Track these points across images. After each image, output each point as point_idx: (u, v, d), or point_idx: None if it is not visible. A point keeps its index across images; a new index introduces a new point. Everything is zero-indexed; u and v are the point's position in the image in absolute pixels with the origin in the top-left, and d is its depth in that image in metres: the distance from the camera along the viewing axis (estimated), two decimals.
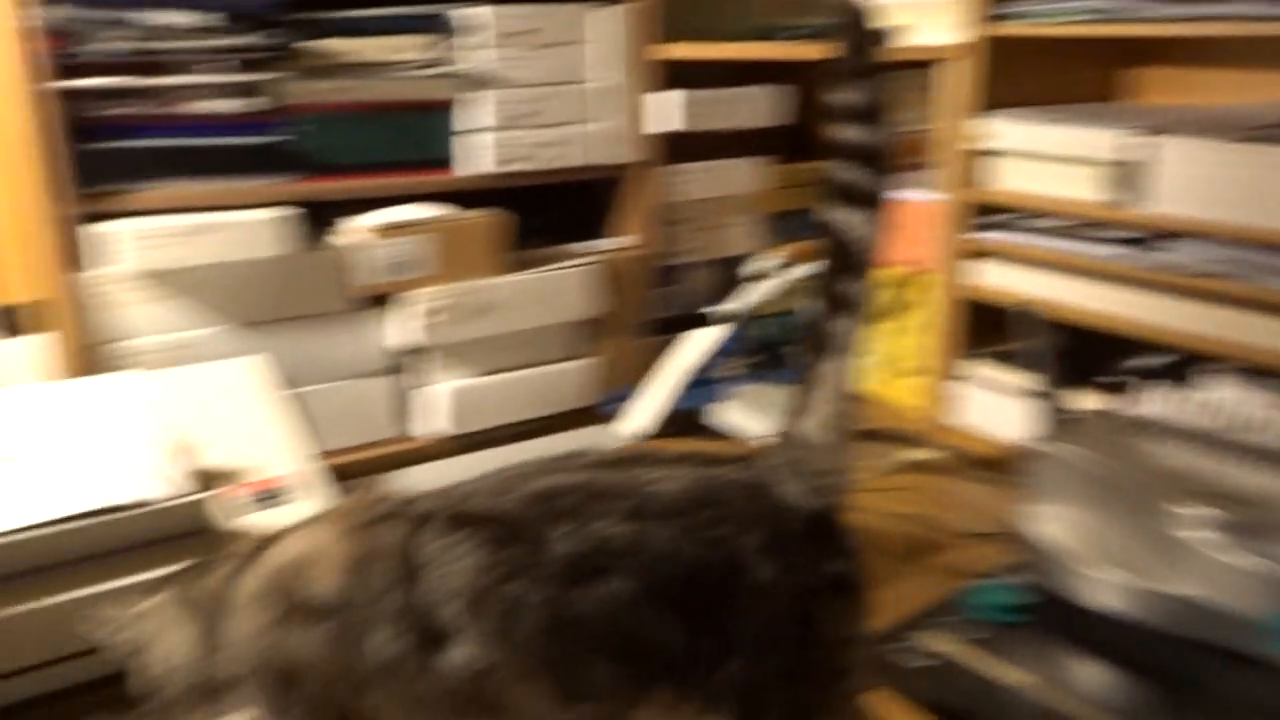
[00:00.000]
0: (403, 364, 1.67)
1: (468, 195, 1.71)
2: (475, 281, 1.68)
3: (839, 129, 0.81)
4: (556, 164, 1.76)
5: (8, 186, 1.29)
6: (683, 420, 1.86)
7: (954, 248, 1.63)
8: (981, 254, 1.61)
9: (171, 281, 1.42)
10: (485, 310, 1.70)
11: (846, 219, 0.81)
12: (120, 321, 1.40)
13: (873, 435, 1.79)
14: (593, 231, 1.94)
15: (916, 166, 1.71)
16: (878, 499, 1.56)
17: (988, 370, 1.67)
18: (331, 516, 0.90)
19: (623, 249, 1.90)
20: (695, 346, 1.77)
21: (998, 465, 1.57)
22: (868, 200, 0.80)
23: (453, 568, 0.81)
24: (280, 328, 1.51)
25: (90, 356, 1.38)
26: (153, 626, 0.88)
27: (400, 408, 1.68)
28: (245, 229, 1.42)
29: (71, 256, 1.34)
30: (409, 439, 1.66)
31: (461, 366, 1.72)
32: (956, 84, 1.54)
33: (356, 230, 1.57)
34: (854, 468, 0.86)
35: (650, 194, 1.89)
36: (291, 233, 1.47)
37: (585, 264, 1.79)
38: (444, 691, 0.83)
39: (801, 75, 1.97)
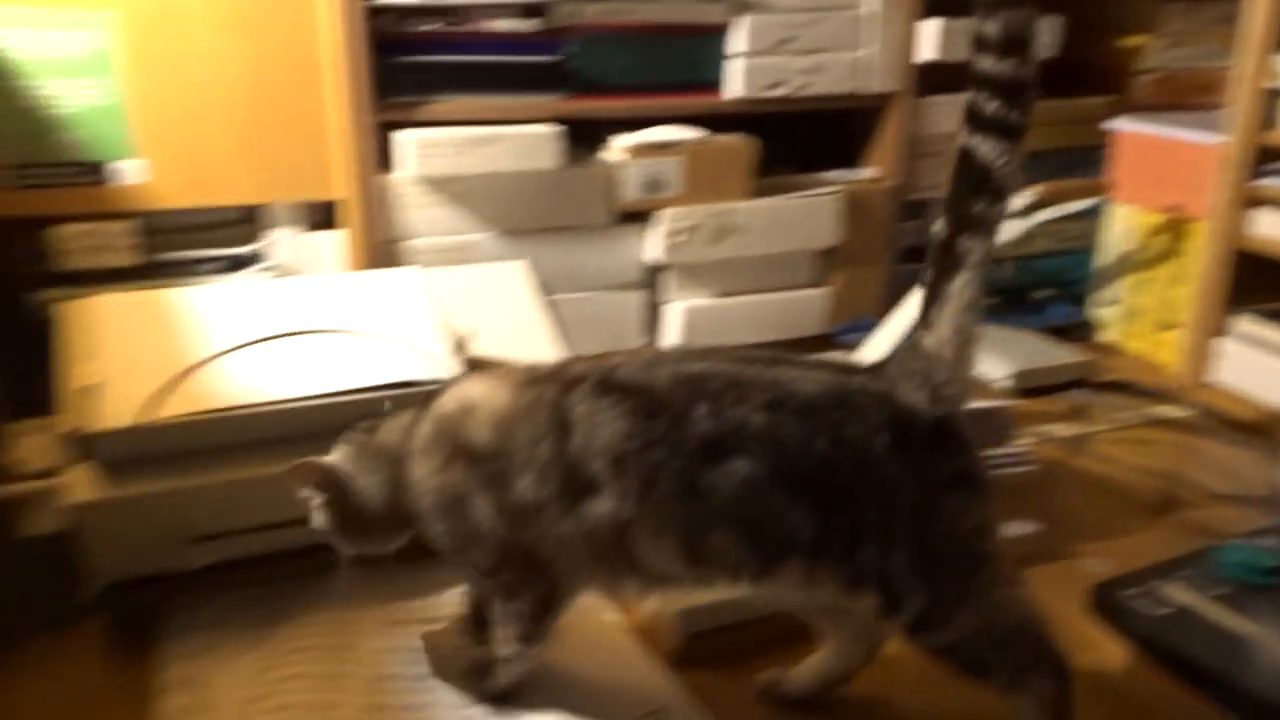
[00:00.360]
0: (654, 280, 1.75)
1: (720, 119, 1.75)
2: (721, 204, 1.73)
3: (982, 59, 0.84)
4: (814, 91, 1.77)
5: (324, 95, 1.45)
6: None
7: (1232, 194, 1.53)
8: (1261, 202, 1.51)
9: (451, 188, 1.55)
10: (728, 233, 1.75)
11: (985, 146, 0.84)
12: (406, 222, 1.55)
13: (1120, 387, 1.73)
14: (840, 161, 1.94)
15: (1201, 106, 1.61)
16: (1122, 451, 1.52)
17: (1254, 327, 1.57)
18: (493, 373, 1.02)
19: (869, 180, 1.89)
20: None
21: (1255, 428, 1.49)
22: (1006, 130, 0.83)
23: (601, 429, 0.92)
24: (544, 237, 1.62)
25: (380, 252, 1.54)
26: (346, 474, 1.03)
27: (650, 322, 1.76)
28: (521, 142, 1.53)
29: (371, 161, 1.49)
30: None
31: (699, 287, 1.78)
32: (1267, 18, 1.44)
33: (618, 149, 1.65)
34: (970, 377, 0.91)
35: (902, 125, 1.87)
36: (561, 148, 1.57)
37: (830, 193, 1.80)
38: (585, 535, 0.94)
39: (1073, 6, 1.88)
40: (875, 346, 1.72)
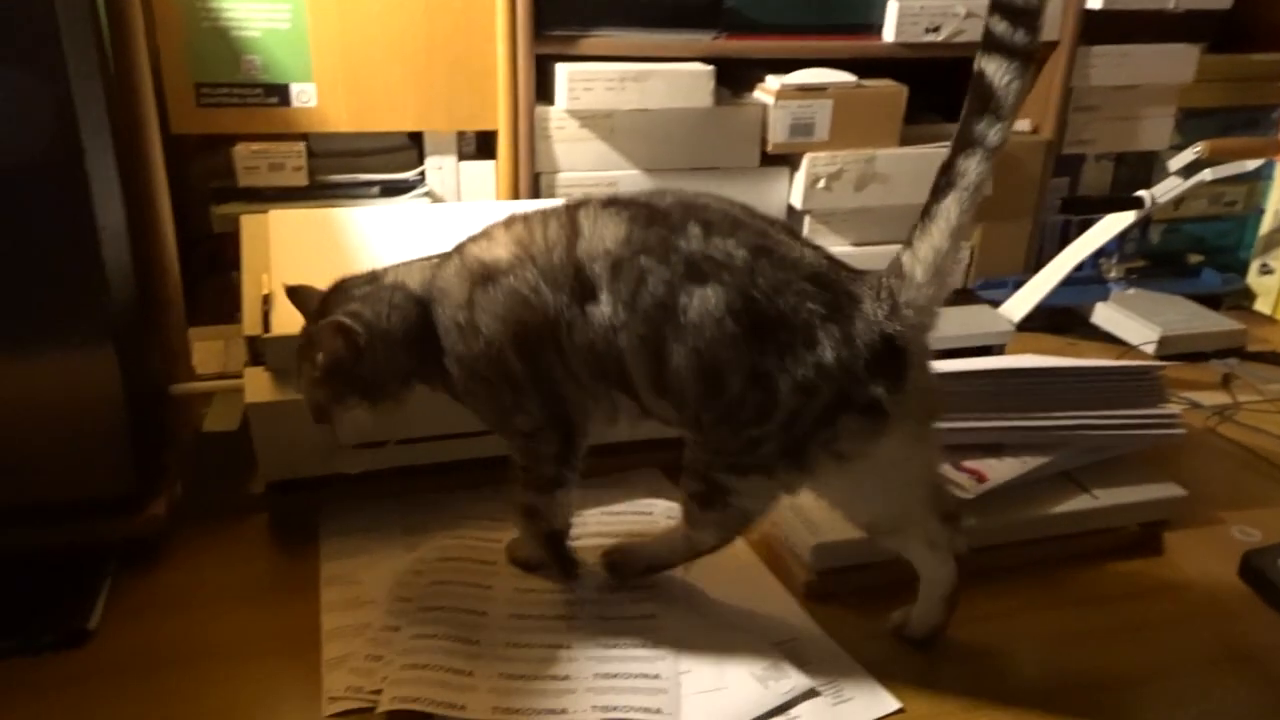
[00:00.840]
0: (799, 223, 1.75)
1: (872, 64, 1.73)
2: (865, 151, 1.71)
3: None
4: (972, 38, 1.73)
5: (493, 27, 1.48)
6: (1060, 315, 1.82)
7: None
8: None
9: (603, 123, 1.58)
10: (870, 180, 1.73)
11: (992, 66, 0.85)
12: (557, 155, 1.59)
13: (1272, 358, 1.67)
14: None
15: None
16: (1272, 423, 1.47)
17: None
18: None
19: (1020, 133, 1.84)
20: (1085, 242, 1.71)
21: None
22: (1011, 51, 0.84)
23: (605, 231, 0.97)
24: (689, 176, 1.64)
25: (531, 184, 1.58)
26: (368, 323, 1.03)
27: None
28: (674, 80, 1.54)
29: (528, 93, 1.52)
30: None
31: (836, 234, 1.77)
32: None
33: (770, 90, 1.65)
34: (938, 307, 0.93)
35: (1061, 76, 1.81)
36: (714, 87, 1.57)
37: None
38: (588, 347, 0.99)
39: None
40: (1016, 305, 1.69)
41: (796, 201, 1.72)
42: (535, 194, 1.59)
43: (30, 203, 0.99)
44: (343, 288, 1.08)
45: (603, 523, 1.27)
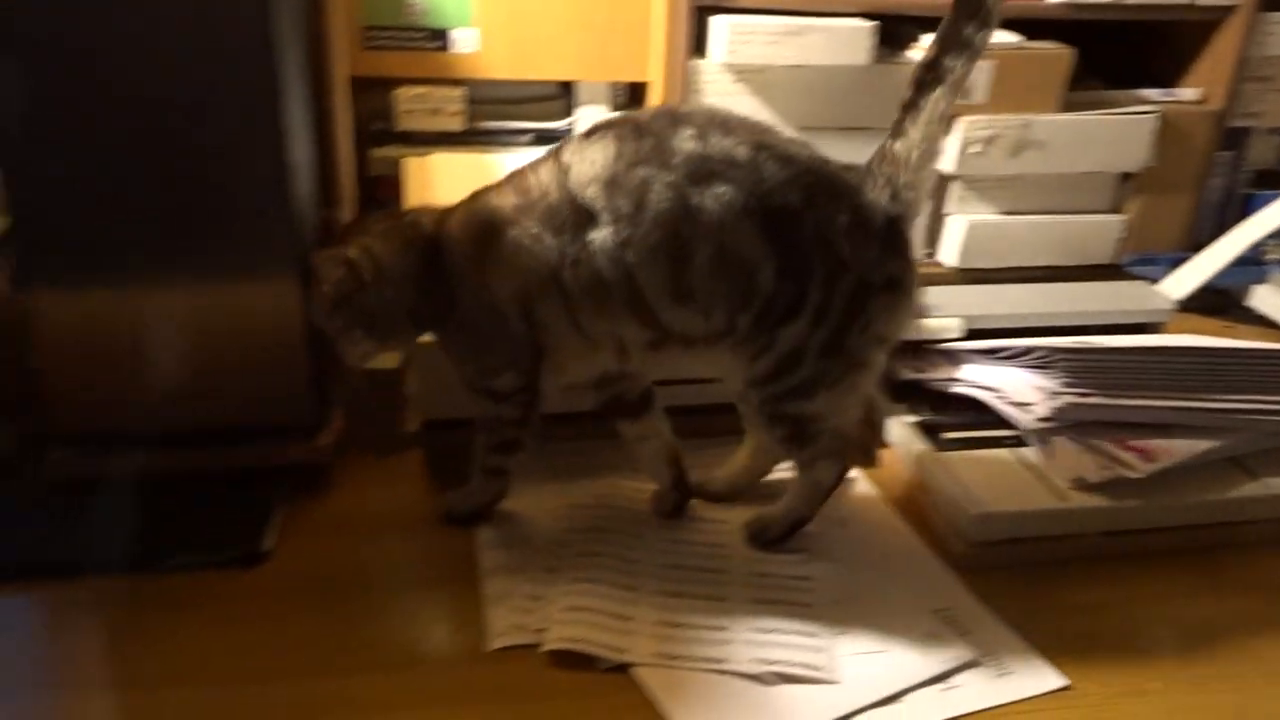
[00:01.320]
0: (942, 189, 1.71)
1: (1037, 25, 1.66)
2: (1023, 116, 1.66)
3: None
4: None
5: None
6: (1214, 296, 1.75)
7: None
8: None
9: (758, 78, 1.56)
10: (1026, 147, 1.67)
11: None
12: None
13: None
14: (1154, 79, 1.81)
15: None
16: None
17: None
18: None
19: (1188, 102, 1.76)
20: (1263, 220, 1.63)
21: None
22: None
23: (592, 156, 0.98)
24: (842, 135, 1.60)
25: None
26: (377, 256, 1.04)
27: (931, 232, 1.73)
28: (835, 35, 1.51)
29: (683, 45, 1.51)
30: (934, 263, 1.71)
31: (985, 202, 1.72)
32: None
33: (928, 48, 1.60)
34: (928, 187, 1.02)
35: (1237, 44, 1.72)
36: (873, 44, 1.53)
37: (1147, 113, 1.69)
38: (593, 274, 0.99)
39: None
40: (1179, 283, 1.63)
41: (948, 166, 1.67)
42: None
43: (230, 141, 1.03)
44: (362, 221, 1.10)
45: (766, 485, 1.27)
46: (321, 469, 1.23)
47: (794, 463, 1.10)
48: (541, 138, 1.58)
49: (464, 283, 1.03)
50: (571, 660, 0.98)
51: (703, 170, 0.95)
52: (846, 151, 1.65)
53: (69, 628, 1.02)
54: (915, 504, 1.24)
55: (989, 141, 1.66)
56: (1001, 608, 1.07)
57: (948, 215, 1.72)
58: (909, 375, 1.42)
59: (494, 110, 1.56)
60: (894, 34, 1.65)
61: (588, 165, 0.98)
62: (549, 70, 1.52)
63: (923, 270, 1.73)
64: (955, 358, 1.45)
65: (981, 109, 1.64)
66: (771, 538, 1.15)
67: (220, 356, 1.12)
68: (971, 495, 1.16)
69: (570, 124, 1.57)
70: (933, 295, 1.65)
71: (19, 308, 1.17)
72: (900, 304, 1.02)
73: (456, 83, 1.50)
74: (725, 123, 0.99)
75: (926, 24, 1.63)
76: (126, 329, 1.10)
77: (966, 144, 1.65)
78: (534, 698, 0.95)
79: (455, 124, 1.51)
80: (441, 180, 1.37)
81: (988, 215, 1.72)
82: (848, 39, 1.52)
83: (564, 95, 1.61)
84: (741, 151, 0.96)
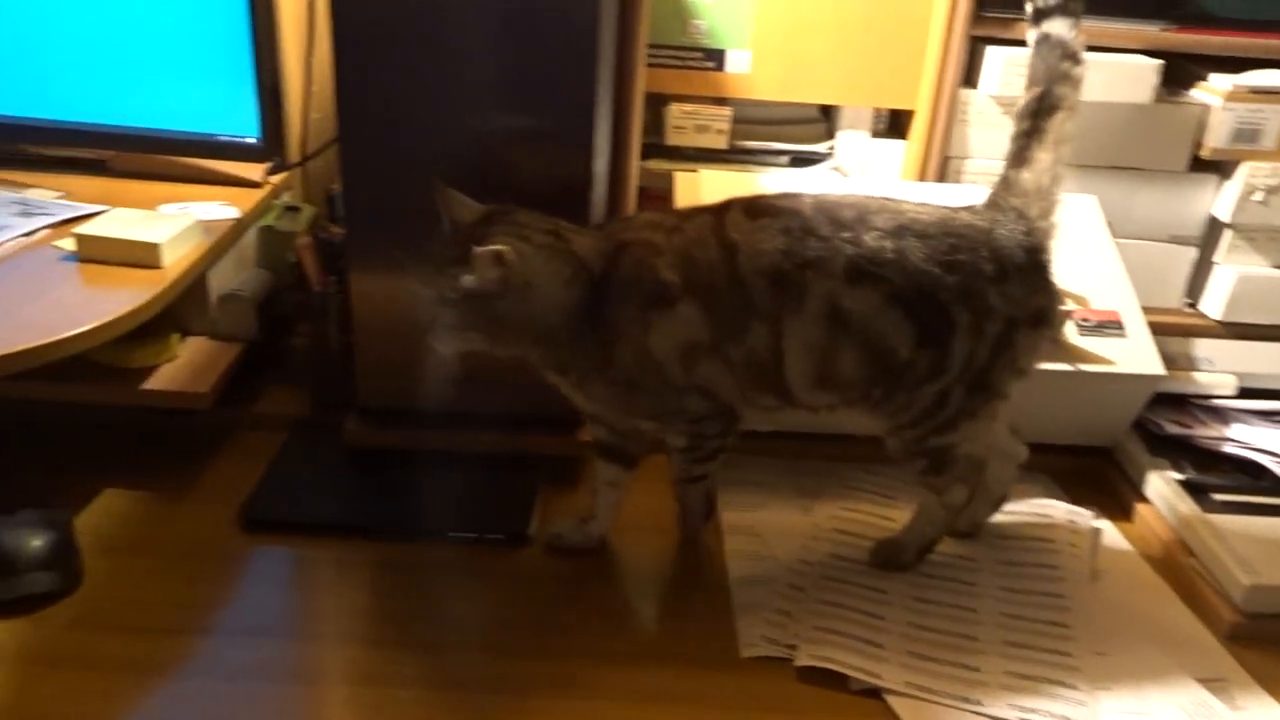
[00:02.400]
0: (1212, 238, 1.62)
1: None
2: None
3: None
4: None
5: (931, 6, 1.46)
6: None
7: None
8: None
9: None
10: None
11: (1066, 27, 1.09)
12: (972, 140, 1.55)
13: None
14: None
15: None
16: None
17: None
18: (641, 221, 1.06)
19: None
20: None
21: None
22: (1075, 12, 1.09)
23: (759, 244, 0.99)
24: (1109, 174, 1.55)
25: (939, 166, 1.56)
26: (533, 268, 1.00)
27: (1194, 281, 1.64)
28: (1118, 72, 1.46)
29: (956, 75, 1.50)
30: (1195, 313, 1.63)
31: (1259, 254, 1.62)
32: None
33: (1216, 90, 1.53)
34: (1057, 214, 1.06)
35: None
36: (1152, 82, 1.48)
37: None
38: (748, 353, 1.01)
39: None
40: None
41: (1223, 214, 1.59)
42: (942, 178, 1.57)
43: (547, 158, 1.11)
44: (510, 216, 1.02)
45: (998, 523, 1.25)
46: (577, 461, 1.30)
47: (927, 489, 1.11)
48: (799, 160, 1.59)
49: (623, 339, 1.02)
50: (820, 678, 1.00)
51: (857, 272, 0.98)
52: (1116, 192, 1.60)
53: (352, 583, 1.12)
54: (1177, 565, 1.19)
55: (1274, 190, 1.57)
56: (1270, 680, 1.02)
57: (1216, 264, 1.63)
58: (1172, 430, 1.36)
59: (755, 130, 1.59)
60: (1174, 72, 1.58)
61: (755, 254, 1.00)
62: (816, 94, 1.54)
63: (1182, 320, 1.67)
64: (1226, 416, 1.38)
65: (1268, 155, 1.55)
66: (906, 561, 1.16)
67: None
68: (1246, 564, 1.10)
69: (830, 147, 1.59)
70: (1199, 348, 1.57)
71: (326, 291, 1.29)
72: (1044, 337, 1.04)
73: (723, 101, 1.54)
74: (865, 213, 1.01)
75: (1213, 63, 1.56)
76: (426, 316, 1.20)
77: (1247, 191, 1.56)
78: (782, 710, 0.97)
79: (720, 142, 1.55)
80: (710, 196, 1.41)
81: (1261, 268, 1.62)
82: (1131, 76, 1.47)
83: (824, 119, 1.63)
84: (888, 245, 0.99)
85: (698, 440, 1.09)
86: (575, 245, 1.01)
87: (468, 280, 0.97)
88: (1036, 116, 1.06)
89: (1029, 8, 1.12)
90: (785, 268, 0.98)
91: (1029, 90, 1.08)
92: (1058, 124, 1.06)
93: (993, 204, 1.06)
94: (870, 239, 0.98)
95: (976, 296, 0.99)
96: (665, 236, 1.02)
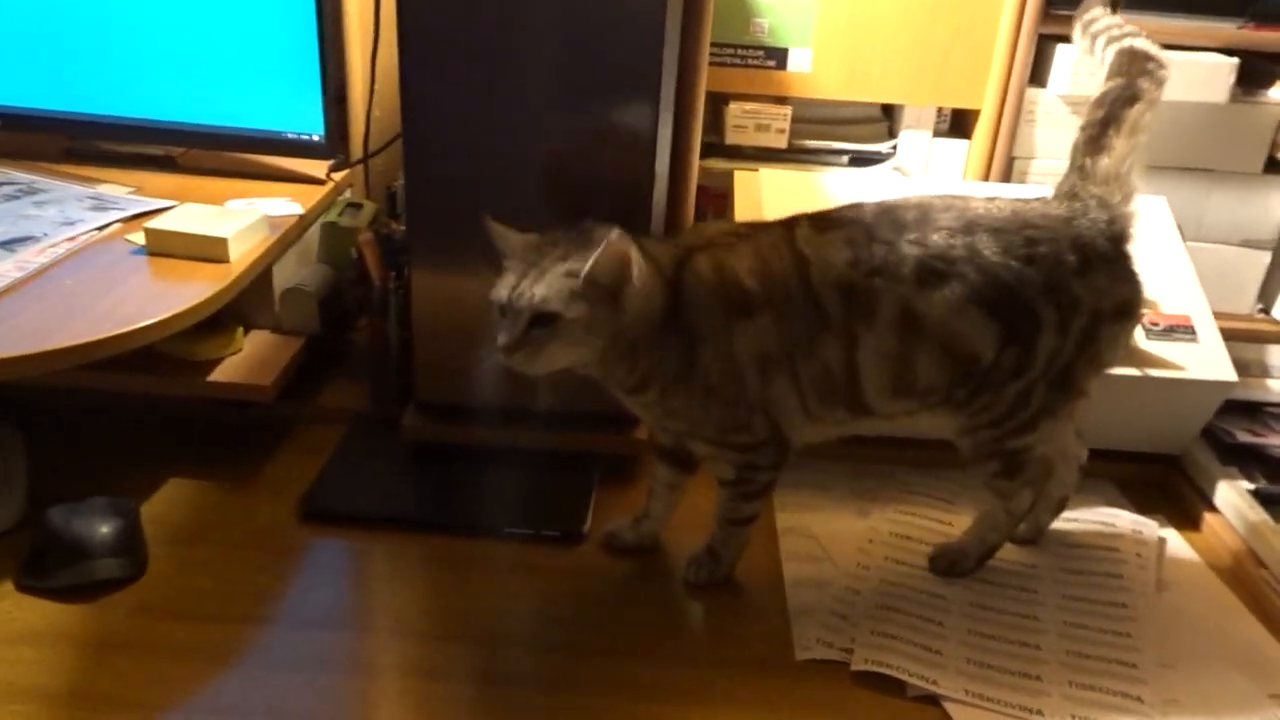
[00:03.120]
0: None
1: None
2: None
3: None
4: None
5: (999, 4, 1.44)
6: None
7: None
8: None
9: None
10: None
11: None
12: (1038, 140, 1.53)
13: None
14: None
15: None
16: None
17: None
18: (712, 230, 1.05)
19: None
20: None
21: None
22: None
23: (829, 257, 0.97)
24: (1181, 176, 1.51)
25: (1004, 166, 1.53)
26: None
27: (1267, 286, 1.60)
28: (1193, 71, 1.43)
29: (1023, 74, 1.47)
30: (1269, 319, 1.58)
31: None
32: None
33: None
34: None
35: None
36: (1228, 81, 1.43)
37: None
38: (823, 366, 0.99)
39: None
40: None
41: None
42: (1007, 178, 1.54)
43: (613, 153, 1.11)
44: (590, 233, 0.97)
45: (1061, 531, 1.22)
46: (632, 460, 1.29)
47: (995, 493, 1.09)
48: (859, 159, 1.58)
49: (708, 345, 1.00)
50: (877, 682, 0.99)
51: (928, 273, 0.96)
52: (1188, 194, 1.56)
53: (408, 577, 1.13)
54: (1247, 576, 1.15)
55: None
56: None
57: None
58: (1243, 439, 1.32)
59: (815, 130, 1.57)
60: (1251, 71, 1.53)
61: (825, 266, 0.98)
62: (879, 93, 1.52)
63: (1255, 326, 1.62)
64: None
65: None
66: (967, 568, 1.14)
67: None
68: None
69: (893, 146, 1.57)
70: (1272, 355, 1.52)
71: (387, 286, 1.31)
72: (1128, 329, 1.02)
73: (783, 100, 1.53)
74: (929, 213, 0.98)
75: None
76: (486, 314, 1.20)
77: None
78: (839, 712, 0.96)
79: (780, 141, 1.54)
80: (769, 195, 1.41)
81: None
82: (1207, 75, 1.43)
83: (885, 119, 1.60)
84: (956, 243, 0.96)
85: (748, 472, 1.06)
86: (657, 254, 0.99)
87: (590, 268, 0.91)
88: (1116, 104, 1.04)
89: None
90: (854, 278, 0.97)
91: (1109, 80, 1.07)
92: (1136, 113, 1.04)
93: (1070, 194, 1.03)
94: (937, 238, 0.96)
95: (1061, 289, 0.96)
96: (741, 244, 1.01)
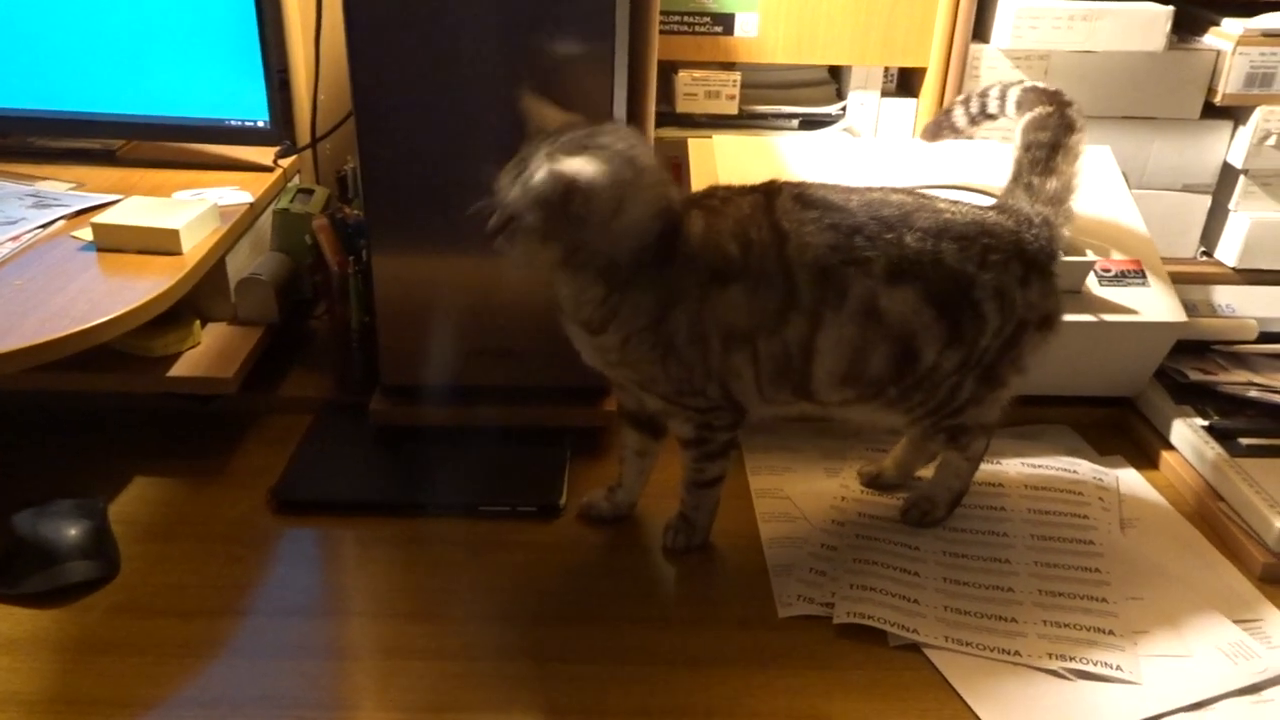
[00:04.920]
0: (1227, 185, 1.62)
1: None
2: None
3: None
4: None
5: None
6: None
7: None
8: None
9: (1041, 63, 1.52)
10: None
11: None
12: None
13: None
14: None
15: None
16: None
17: None
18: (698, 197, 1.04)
19: None
20: None
21: None
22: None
23: (807, 236, 0.99)
24: (1121, 125, 1.54)
25: None
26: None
27: (1209, 230, 1.64)
28: (1129, 20, 1.45)
29: (966, 29, 1.49)
30: (1212, 261, 1.63)
31: (1273, 199, 1.61)
32: None
33: (1228, 35, 1.52)
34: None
35: None
36: (1164, 29, 1.46)
37: None
38: (782, 346, 1.00)
39: None
40: None
41: (1236, 160, 1.58)
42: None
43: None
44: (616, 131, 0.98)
45: (1026, 475, 1.26)
46: (604, 431, 1.30)
47: (952, 448, 1.14)
48: (809, 122, 1.58)
49: (682, 305, 0.99)
50: (859, 634, 1.01)
51: (899, 272, 0.99)
52: (1129, 142, 1.59)
53: (386, 561, 1.12)
54: (1206, 510, 1.19)
55: None
56: None
57: (1230, 211, 1.62)
58: (1195, 377, 1.36)
59: (765, 95, 1.58)
60: (1186, 19, 1.57)
61: (803, 244, 0.99)
62: (826, 55, 1.53)
63: (1199, 269, 1.67)
64: (1248, 361, 1.38)
65: None
66: (938, 516, 1.18)
67: (526, 321, 1.20)
68: (1277, 505, 1.10)
69: (842, 108, 1.58)
70: (1217, 295, 1.57)
71: (345, 271, 1.29)
72: (1048, 341, 1.06)
73: (731, 66, 1.53)
74: (908, 215, 1.01)
75: (1226, 8, 1.55)
76: (448, 293, 1.20)
77: (1261, 136, 1.55)
78: (825, 665, 0.98)
79: (731, 107, 1.54)
80: (723, 162, 1.41)
81: (1276, 213, 1.62)
82: (1143, 24, 1.46)
83: (833, 81, 1.61)
84: (928, 245, 0.99)
85: (705, 432, 1.06)
86: (671, 194, 0.99)
87: (535, 192, 0.90)
88: (1059, 130, 1.10)
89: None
90: (831, 263, 0.98)
91: (1038, 107, 1.13)
92: (1075, 141, 1.11)
93: (1017, 209, 1.07)
94: (911, 240, 0.99)
95: (1006, 296, 1.01)
96: (723, 206, 1.02)
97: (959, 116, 1.24)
